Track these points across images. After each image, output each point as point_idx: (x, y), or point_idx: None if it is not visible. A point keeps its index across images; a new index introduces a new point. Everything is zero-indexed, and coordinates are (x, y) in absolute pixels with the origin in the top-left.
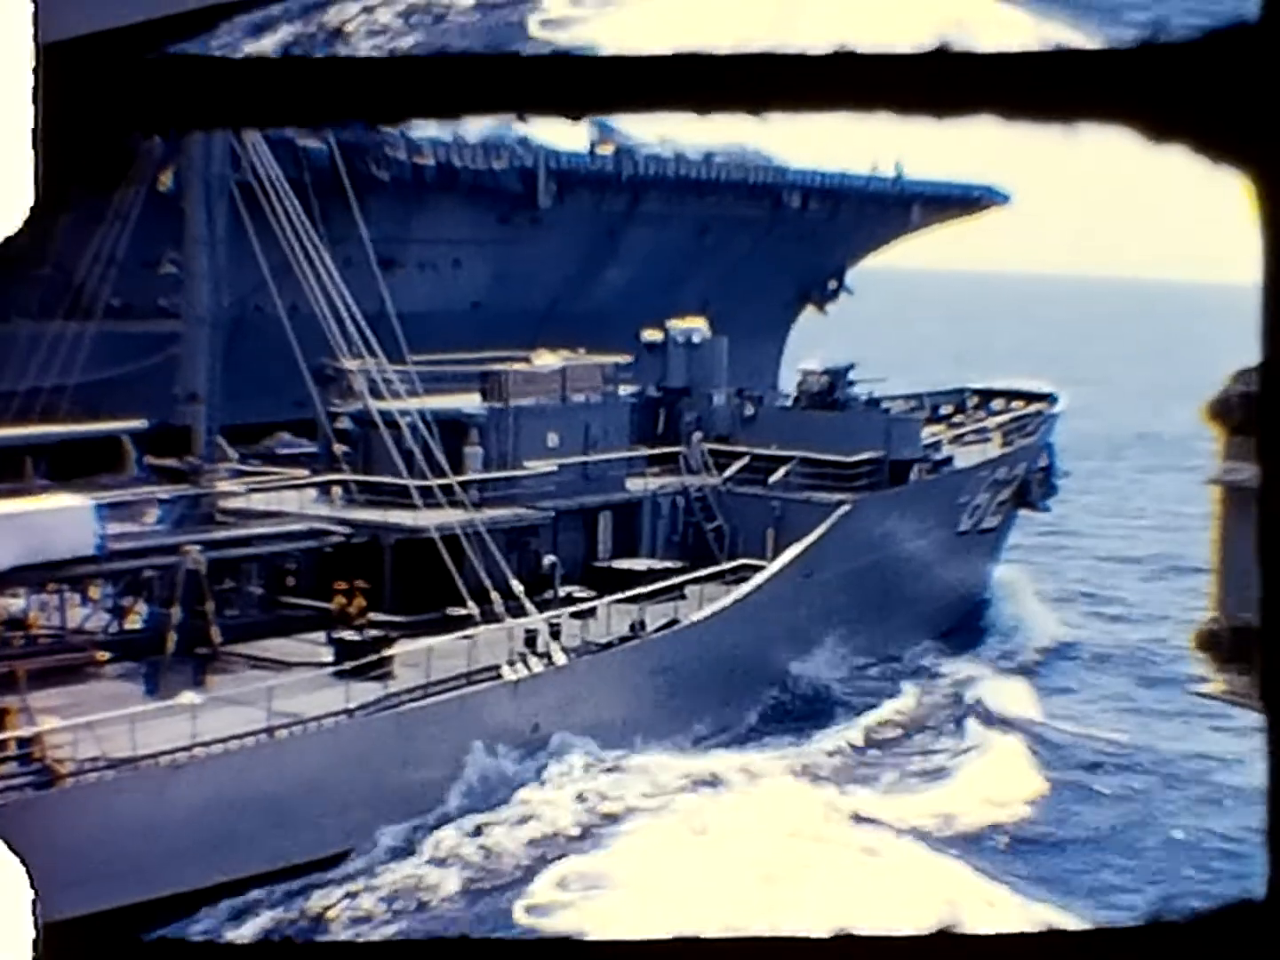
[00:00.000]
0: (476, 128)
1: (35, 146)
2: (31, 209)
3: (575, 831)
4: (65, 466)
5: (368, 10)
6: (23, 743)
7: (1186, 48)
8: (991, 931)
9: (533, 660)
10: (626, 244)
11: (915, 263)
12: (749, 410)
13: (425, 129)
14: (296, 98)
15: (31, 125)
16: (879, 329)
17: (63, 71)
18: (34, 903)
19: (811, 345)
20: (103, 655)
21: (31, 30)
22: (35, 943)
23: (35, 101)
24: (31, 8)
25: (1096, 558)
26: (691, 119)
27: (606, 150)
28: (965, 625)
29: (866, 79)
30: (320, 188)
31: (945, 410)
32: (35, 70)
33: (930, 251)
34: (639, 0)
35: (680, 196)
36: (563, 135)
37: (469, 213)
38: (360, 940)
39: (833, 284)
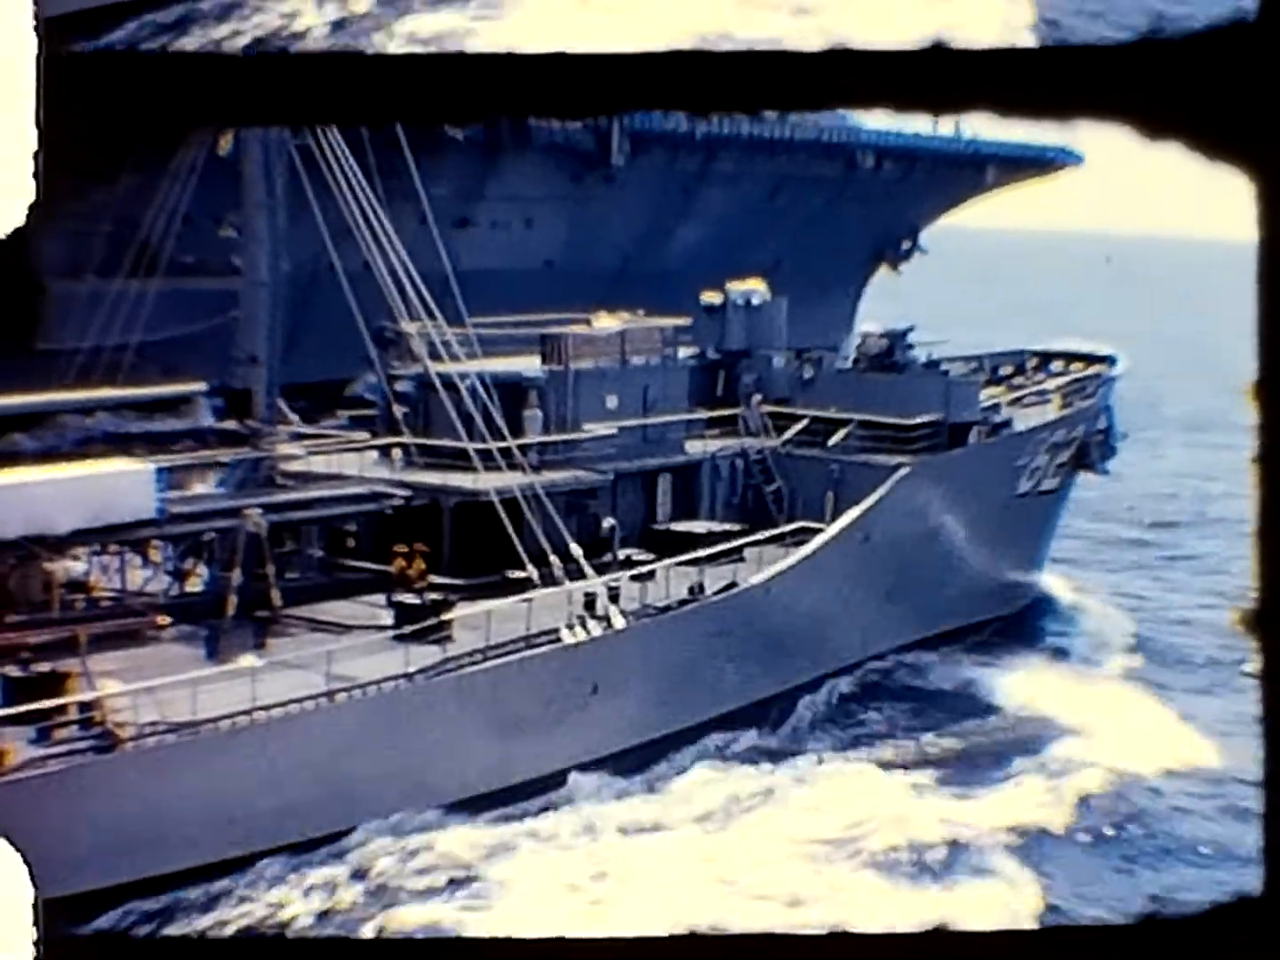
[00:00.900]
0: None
1: (36, 145)
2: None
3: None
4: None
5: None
6: (84, 707)
7: (1184, 44)
8: (989, 928)
9: (591, 623)
10: (700, 203)
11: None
12: (808, 373)
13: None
14: (296, 96)
15: (32, 124)
16: (956, 288)
17: (65, 70)
18: (35, 903)
19: (886, 302)
20: (164, 619)
21: (33, 24)
22: (36, 943)
23: (37, 97)
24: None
25: None
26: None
27: None
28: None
29: (863, 76)
30: (393, 145)
31: (1004, 372)
32: (37, 67)
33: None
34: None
35: (753, 155)
36: None
37: (542, 171)
38: (360, 938)
39: (906, 244)
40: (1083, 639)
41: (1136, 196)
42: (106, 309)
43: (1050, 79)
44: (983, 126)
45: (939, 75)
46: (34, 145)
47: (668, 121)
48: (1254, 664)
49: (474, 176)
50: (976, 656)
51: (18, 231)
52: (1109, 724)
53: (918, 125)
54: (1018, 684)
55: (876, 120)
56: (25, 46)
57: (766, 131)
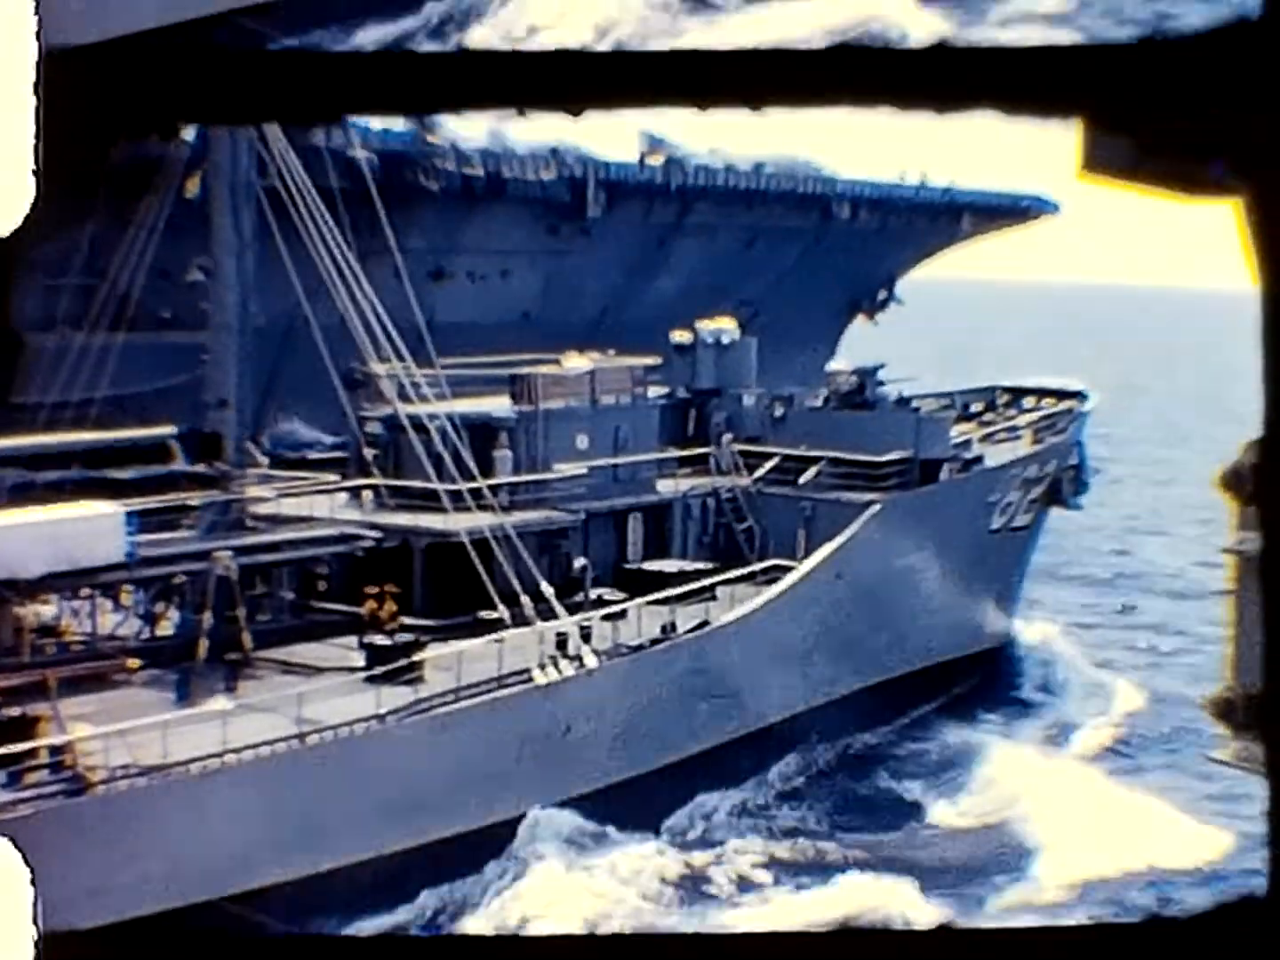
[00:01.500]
0: (525, 137)
1: (36, 144)
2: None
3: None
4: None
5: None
6: (54, 751)
7: (1188, 43)
8: (991, 927)
9: (564, 663)
10: (675, 254)
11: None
12: (779, 411)
13: (475, 139)
14: (295, 94)
15: (32, 123)
16: (932, 336)
17: (64, 67)
18: (35, 905)
19: (865, 351)
20: (134, 662)
21: (34, 27)
22: (37, 944)
23: (37, 95)
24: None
25: None
26: (694, 114)
27: (656, 161)
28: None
29: (866, 74)
30: (367, 198)
31: (976, 408)
32: (37, 65)
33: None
34: None
35: (729, 207)
36: (612, 145)
37: (518, 223)
38: (359, 937)
39: (882, 293)
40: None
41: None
42: (72, 362)
43: (1054, 77)
44: (985, 126)
45: (943, 73)
46: (33, 145)
47: (642, 173)
48: (1224, 751)
49: (449, 229)
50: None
51: (17, 233)
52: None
53: (892, 174)
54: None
55: (851, 169)
56: (25, 45)
57: (742, 183)
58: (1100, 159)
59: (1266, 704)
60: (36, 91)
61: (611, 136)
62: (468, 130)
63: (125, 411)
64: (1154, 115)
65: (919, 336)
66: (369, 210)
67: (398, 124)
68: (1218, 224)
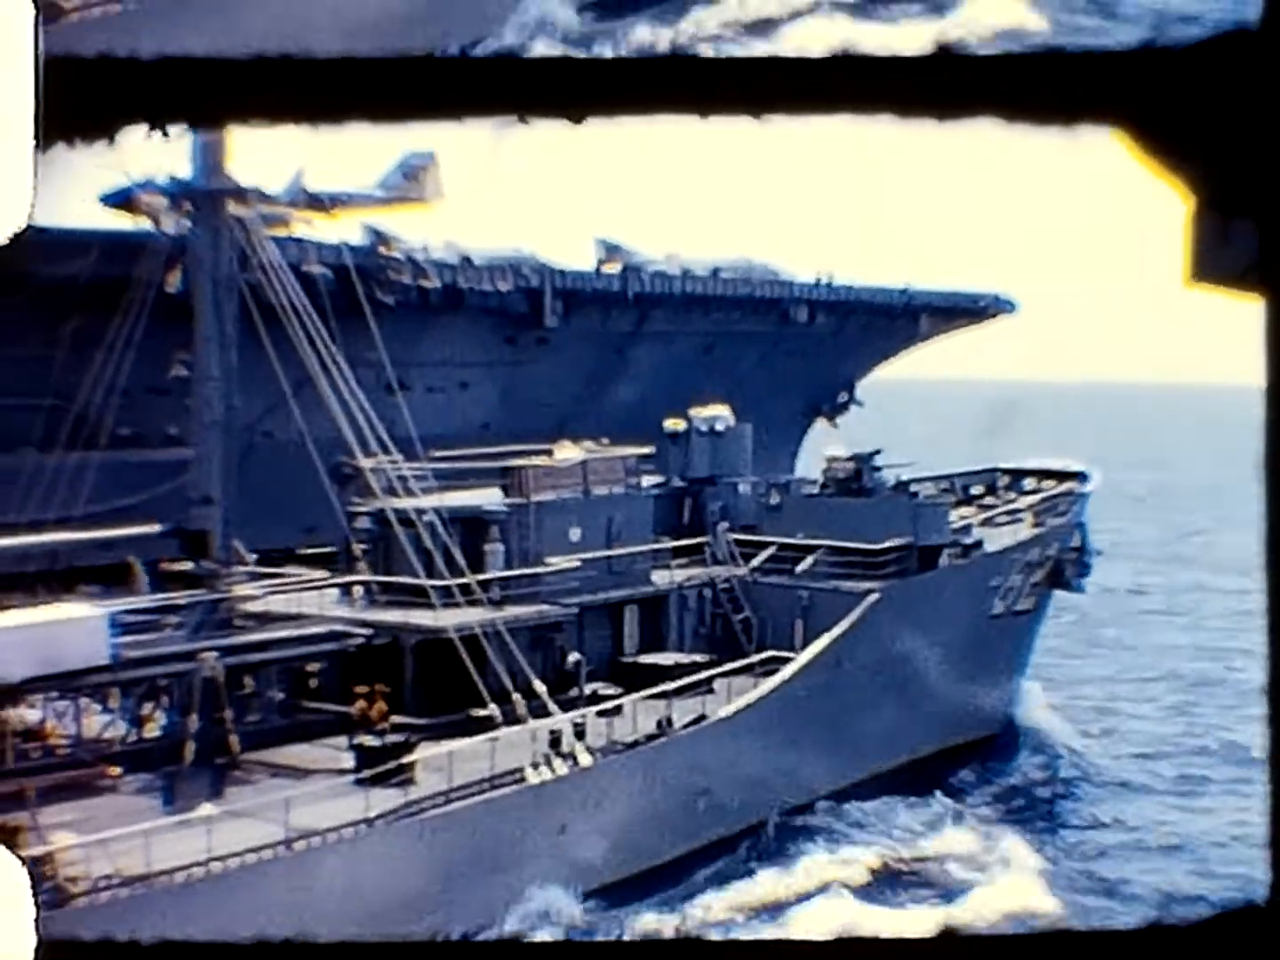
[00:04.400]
0: (481, 249)
1: (35, 145)
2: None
3: None
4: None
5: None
6: (34, 861)
7: (1188, 51)
8: (991, 934)
9: (557, 762)
10: (634, 361)
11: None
12: (775, 499)
13: (431, 252)
14: (294, 96)
15: (32, 124)
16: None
17: (62, 71)
18: (35, 907)
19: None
20: (115, 770)
21: (31, 34)
22: (36, 952)
23: (36, 99)
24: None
25: None
26: (693, 122)
27: (613, 268)
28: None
29: (866, 81)
30: (326, 314)
31: (975, 491)
32: (35, 69)
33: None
34: None
35: (687, 313)
36: (568, 255)
37: (476, 334)
38: (359, 942)
39: (843, 396)
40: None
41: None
42: (48, 482)
43: (1055, 85)
44: (990, 132)
45: (943, 81)
46: (33, 147)
47: (599, 281)
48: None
49: (407, 341)
50: None
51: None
52: None
53: (850, 276)
54: None
55: (805, 273)
56: (24, 49)
57: (699, 288)
58: (1211, 265)
59: (1269, 704)
60: (36, 97)
61: (567, 244)
62: (424, 240)
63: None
64: (1155, 121)
65: (881, 437)
66: (325, 324)
67: (354, 237)
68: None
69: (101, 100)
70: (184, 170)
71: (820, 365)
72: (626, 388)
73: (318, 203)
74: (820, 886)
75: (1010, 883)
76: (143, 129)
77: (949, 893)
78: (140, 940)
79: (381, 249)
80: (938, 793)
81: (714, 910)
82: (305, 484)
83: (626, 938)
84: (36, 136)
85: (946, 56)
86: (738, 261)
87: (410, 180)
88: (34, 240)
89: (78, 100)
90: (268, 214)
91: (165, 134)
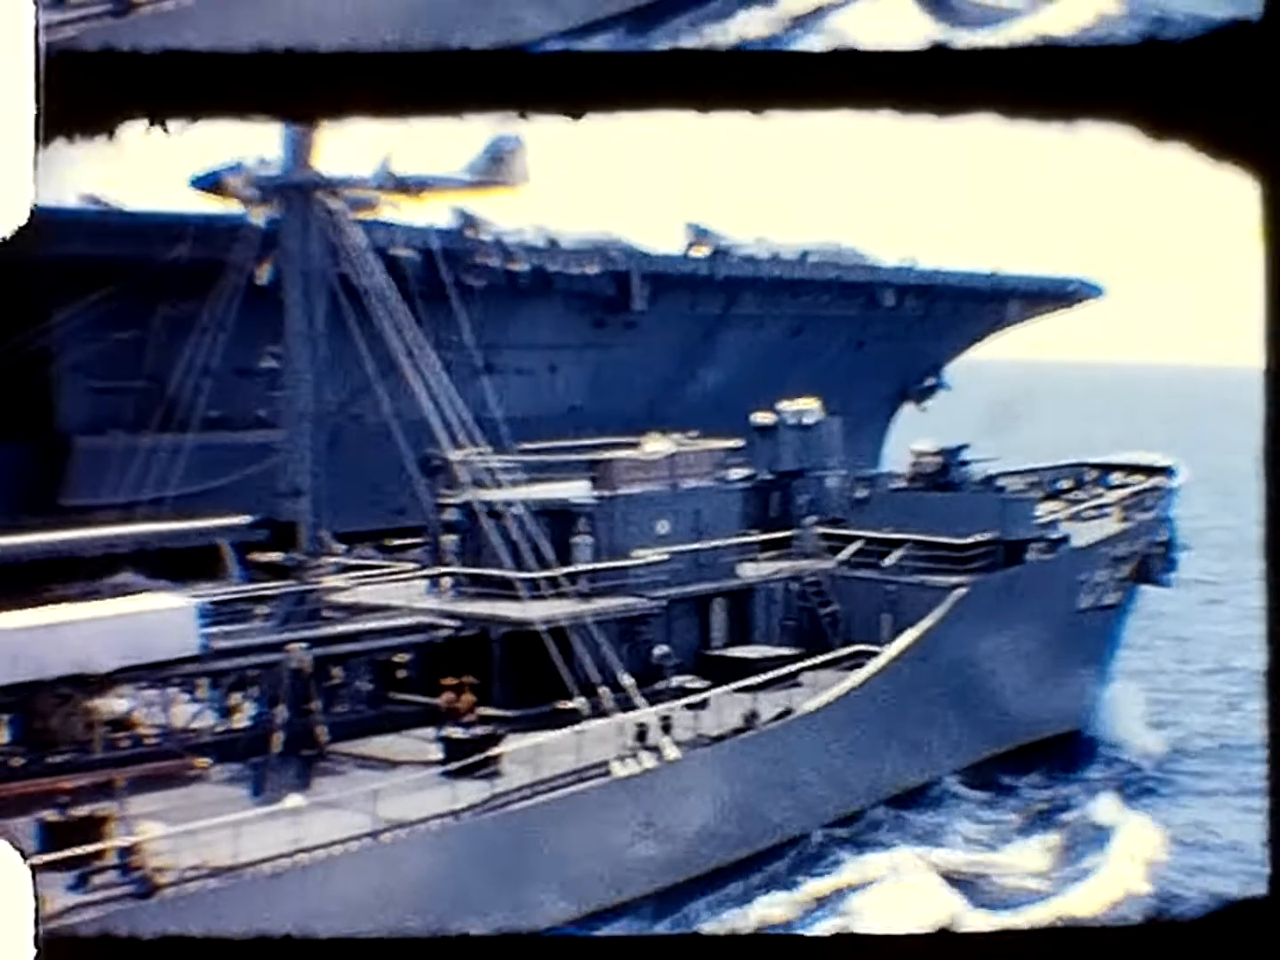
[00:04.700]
0: (569, 232)
1: (35, 145)
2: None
3: None
4: (164, 575)
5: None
6: (122, 852)
7: (1189, 45)
8: (992, 930)
9: (643, 755)
10: (722, 345)
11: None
12: (862, 492)
13: (520, 235)
14: (296, 93)
15: (32, 124)
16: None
17: (63, 69)
18: (35, 905)
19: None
20: (203, 762)
21: (32, 30)
22: (36, 939)
23: (36, 97)
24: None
25: None
26: (695, 118)
27: (701, 252)
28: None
29: (867, 77)
30: (414, 297)
31: (1063, 486)
32: (36, 68)
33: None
34: None
35: (775, 296)
36: (657, 238)
37: (564, 317)
38: (359, 938)
39: (930, 380)
40: None
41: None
42: (140, 464)
43: (1055, 80)
44: (992, 131)
45: (942, 76)
46: (33, 145)
47: (686, 264)
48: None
49: (496, 324)
50: None
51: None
52: None
53: (939, 260)
54: None
55: (895, 257)
56: (24, 46)
57: (787, 272)
58: None
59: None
60: (36, 93)
61: (657, 229)
62: (512, 224)
63: (173, 514)
64: (1156, 116)
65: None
66: (412, 307)
67: (441, 220)
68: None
69: (102, 94)
70: (269, 154)
71: (907, 349)
72: (714, 371)
73: (405, 186)
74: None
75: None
76: (143, 123)
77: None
78: (140, 936)
79: (469, 232)
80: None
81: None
82: (395, 467)
83: (712, 930)
84: (37, 131)
85: (946, 51)
86: (826, 245)
87: (497, 164)
88: (125, 224)
89: (78, 94)
90: (356, 199)
91: (165, 129)
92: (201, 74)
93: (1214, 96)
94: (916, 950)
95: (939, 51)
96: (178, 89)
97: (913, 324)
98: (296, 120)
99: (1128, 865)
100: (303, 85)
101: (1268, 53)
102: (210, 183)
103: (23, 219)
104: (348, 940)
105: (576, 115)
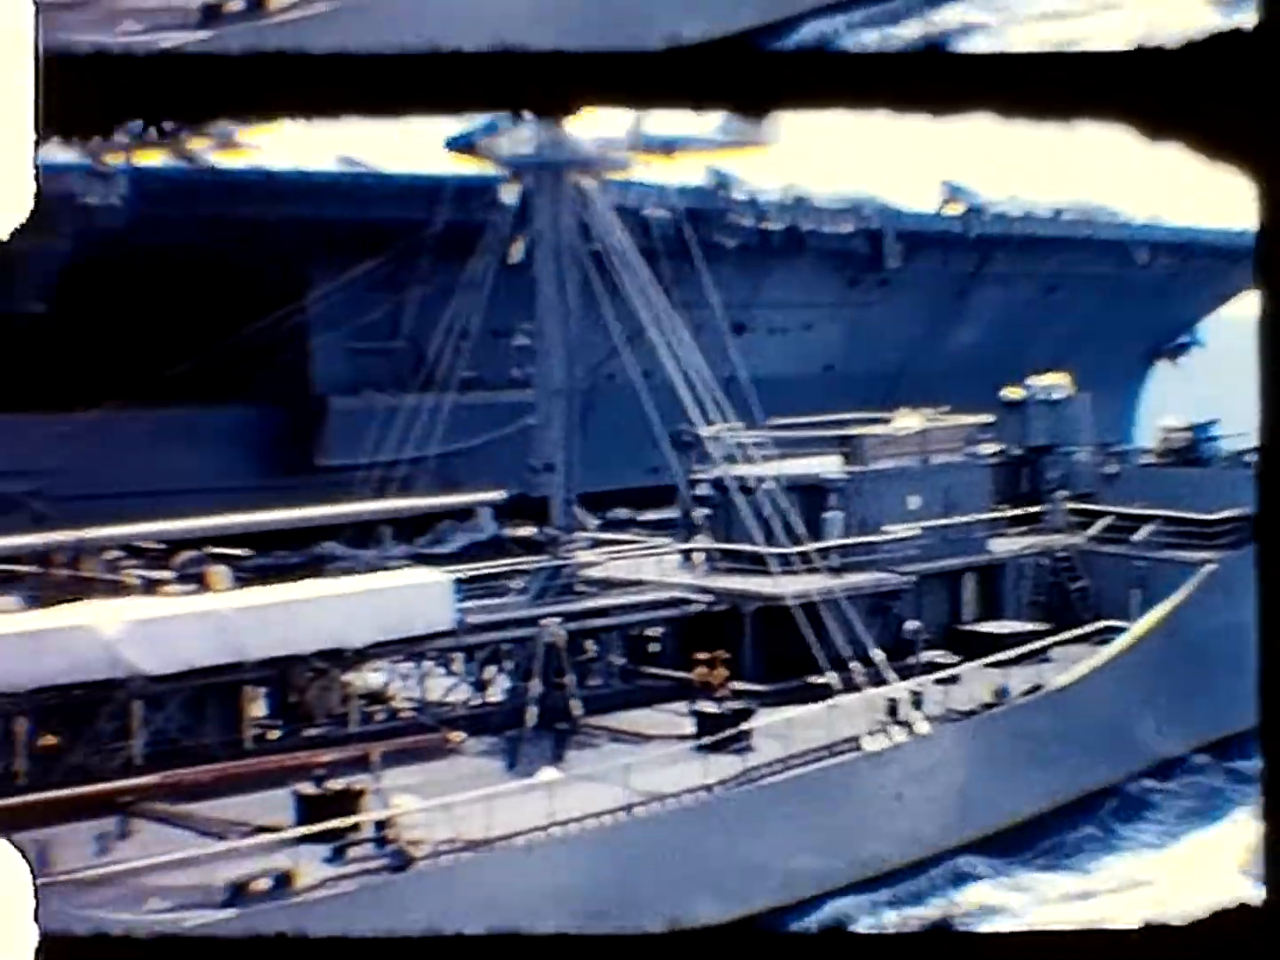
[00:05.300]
0: (822, 191)
1: (35, 145)
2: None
3: None
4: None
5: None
6: (378, 825)
7: (1185, 48)
8: (987, 931)
9: (894, 730)
10: (975, 303)
11: None
12: (1112, 468)
13: (770, 194)
14: (295, 94)
15: (31, 124)
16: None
17: (63, 70)
18: (35, 904)
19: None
20: (457, 736)
21: (31, 30)
22: (37, 948)
23: (36, 99)
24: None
25: None
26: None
27: (954, 210)
28: None
29: (862, 78)
30: (667, 256)
31: None
32: (36, 68)
33: None
34: None
35: (1028, 254)
36: (910, 196)
37: (818, 276)
38: (359, 937)
39: (1184, 337)
40: None
41: None
42: (401, 424)
43: (1051, 82)
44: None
45: (938, 76)
46: (33, 145)
47: (939, 223)
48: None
49: (748, 284)
50: None
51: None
52: None
53: (1191, 218)
54: None
55: (1147, 214)
56: (23, 45)
57: (1040, 230)
58: None
59: (1263, 705)
60: (36, 94)
61: (910, 187)
62: (763, 183)
63: (431, 473)
64: (1152, 119)
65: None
66: (666, 268)
67: (694, 179)
68: None
69: (99, 96)
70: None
71: (1161, 307)
72: (967, 329)
73: (657, 146)
74: None
75: None
76: (138, 124)
77: None
78: (134, 935)
79: (723, 192)
80: None
81: None
82: (649, 425)
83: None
84: (36, 131)
85: (942, 53)
86: (1078, 203)
87: (749, 124)
88: (382, 186)
89: (76, 96)
90: (608, 159)
91: (161, 131)
92: (201, 75)
93: (1211, 95)
94: (912, 949)
95: (935, 53)
96: (177, 89)
97: (1165, 282)
98: (293, 121)
99: None
100: (300, 88)
101: (1266, 52)
102: (464, 144)
103: (23, 218)
104: (348, 940)
105: (569, 113)
